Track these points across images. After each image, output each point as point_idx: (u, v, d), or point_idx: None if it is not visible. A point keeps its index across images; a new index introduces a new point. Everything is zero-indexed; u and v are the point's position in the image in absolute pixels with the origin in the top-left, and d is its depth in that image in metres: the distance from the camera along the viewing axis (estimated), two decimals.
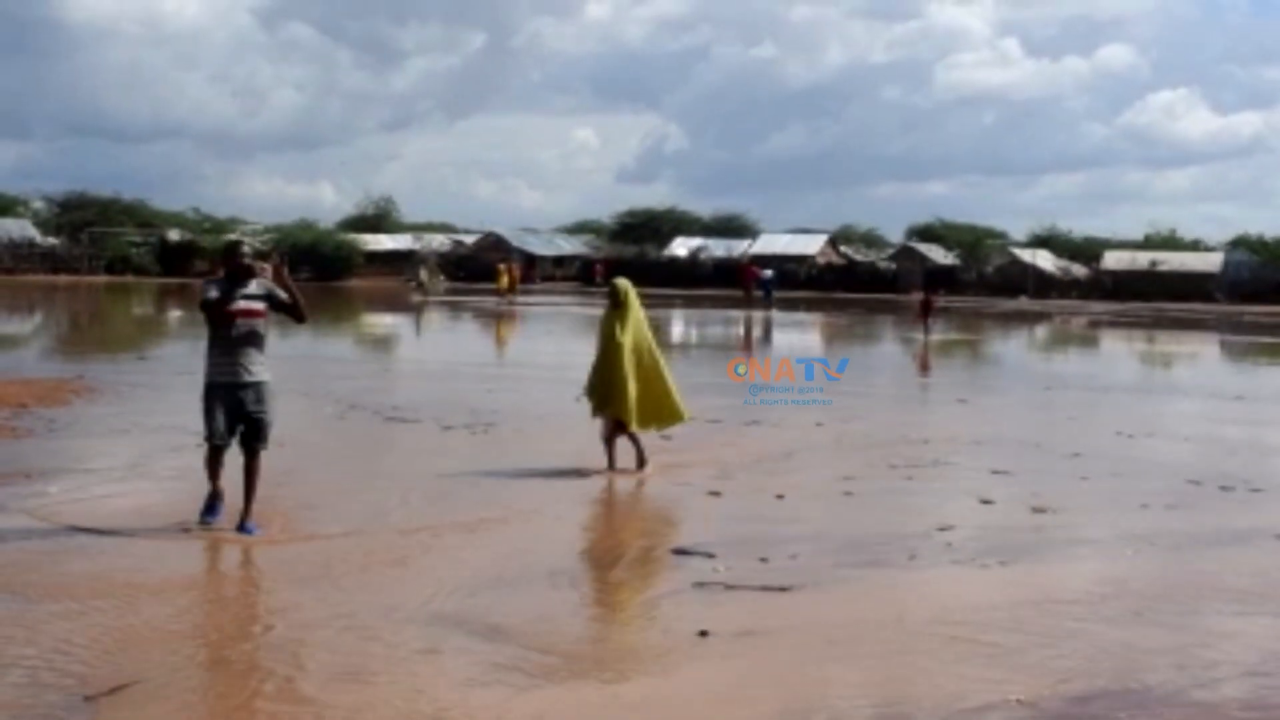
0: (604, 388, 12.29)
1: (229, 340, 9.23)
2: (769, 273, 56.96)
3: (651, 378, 12.36)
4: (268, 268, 9.50)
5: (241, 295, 9.24)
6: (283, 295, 9.41)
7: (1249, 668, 6.87)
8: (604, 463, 12.37)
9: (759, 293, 56.38)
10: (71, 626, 7.07)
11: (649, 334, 12.57)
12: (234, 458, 9.38)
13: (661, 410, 12.47)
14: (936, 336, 36.76)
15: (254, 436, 9.36)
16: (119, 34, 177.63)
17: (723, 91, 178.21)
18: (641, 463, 12.35)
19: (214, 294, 9.22)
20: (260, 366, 9.33)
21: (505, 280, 57.47)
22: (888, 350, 32.78)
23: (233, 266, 9.30)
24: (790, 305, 58.77)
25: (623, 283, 12.58)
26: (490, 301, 55.80)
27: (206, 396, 9.32)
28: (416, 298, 57.11)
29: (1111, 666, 6.77)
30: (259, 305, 9.33)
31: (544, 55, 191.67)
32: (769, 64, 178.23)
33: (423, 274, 62.49)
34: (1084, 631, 7.45)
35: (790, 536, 9.77)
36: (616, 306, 12.41)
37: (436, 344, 36.00)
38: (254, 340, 9.29)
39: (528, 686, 6.30)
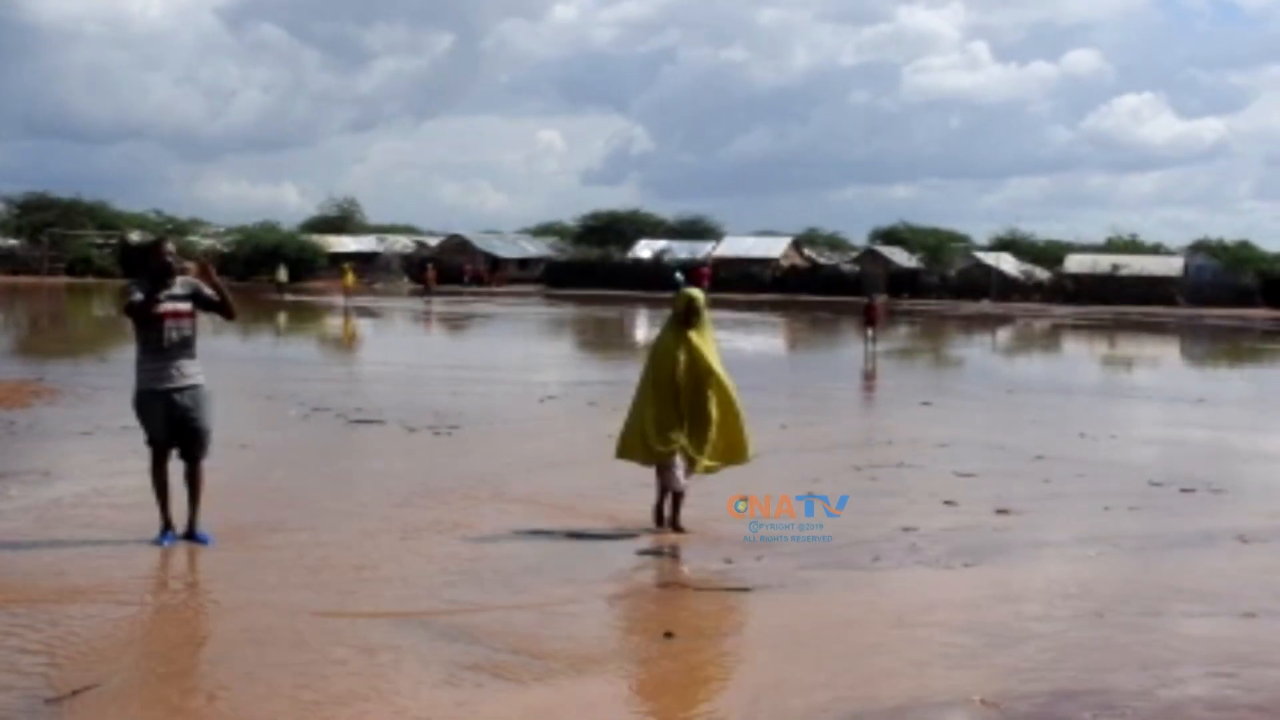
0: (693, 429, 9.77)
1: (159, 344, 8.85)
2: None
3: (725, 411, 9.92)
4: (192, 267, 9.14)
5: (167, 296, 8.85)
6: (210, 293, 9.01)
7: (1211, 667, 6.91)
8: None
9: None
10: (33, 630, 7.01)
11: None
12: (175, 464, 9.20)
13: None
14: (882, 346, 33.79)
15: (194, 445, 9.06)
16: (82, 34, 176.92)
17: (689, 94, 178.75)
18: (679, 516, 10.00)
19: (138, 296, 8.79)
20: (194, 369, 9.00)
21: (350, 278, 59.64)
22: (851, 354, 32.82)
23: (156, 266, 8.89)
24: (753, 307, 58.92)
25: (701, 296, 10.02)
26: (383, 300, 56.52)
27: (139, 404, 9.00)
28: (288, 297, 60.52)
29: (1074, 666, 6.80)
30: (185, 305, 8.92)
31: (511, 57, 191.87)
32: (736, 67, 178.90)
33: (281, 274, 67.11)
34: (1047, 632, 7.48)
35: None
36: (690, 325, 9.83)
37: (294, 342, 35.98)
38: (185, 343, 8.94)
39: (494, 687, 6.28)
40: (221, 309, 9.13)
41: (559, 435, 15.79)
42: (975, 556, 9.37)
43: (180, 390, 8.94)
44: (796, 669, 6.75)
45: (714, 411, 9.74)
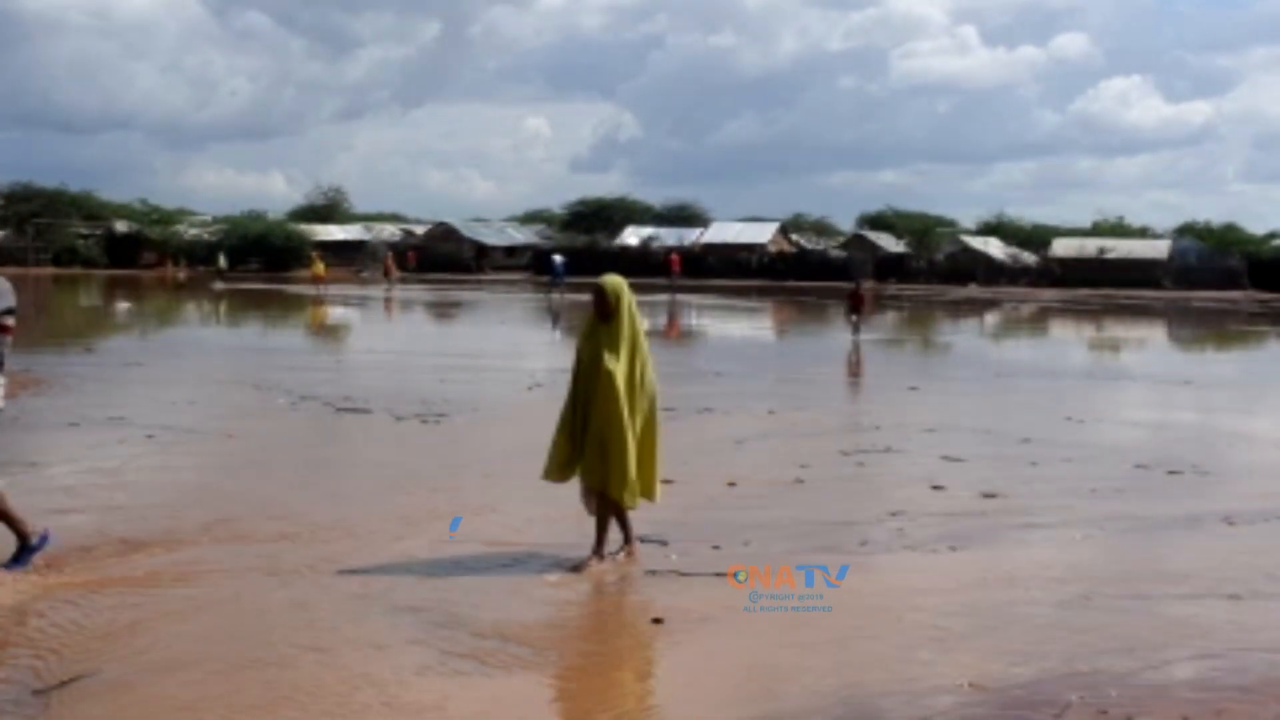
0: (584, 444, 8.47)
1: None
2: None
3: (646, 431, 8.47)
4: None
5: None
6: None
7: (1197, 650, 6.93)
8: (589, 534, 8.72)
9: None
10: (18, 622, 7.00)
11: (649, 361, 8.50)
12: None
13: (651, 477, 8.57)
14: (869, 334, 33.05)
15: None
16: (67, 24, 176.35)
17: (677, 80, 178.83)
18: (629, 540, 8.71)
19: None
20: None
21: (320, 267, 61.07)
22: (838, 340, 32.80)
23: None
24: (740, 293, 58.95)
25: (614, 282, 8.43)
26: (370, 290, 56.26)
27: None
28: (218, 284, 61.42)
29: (1061, 649, 6.81)
30: None
31: (498, 44, 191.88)
32: (724, 53, 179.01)
33: (221, 261, 69.13)
34: (1034, 615, 7.50)
35: (743, 523, 9.78)
36: (606, 319, 8.39)
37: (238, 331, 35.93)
38: None
39: (481, 674, 6.28)
40: None
41: (546, 422, 15.76)
42: (962, 540, 9.39)
43: None
44: (785, 654, 6.76)
45: (595, 423, 8.32)
